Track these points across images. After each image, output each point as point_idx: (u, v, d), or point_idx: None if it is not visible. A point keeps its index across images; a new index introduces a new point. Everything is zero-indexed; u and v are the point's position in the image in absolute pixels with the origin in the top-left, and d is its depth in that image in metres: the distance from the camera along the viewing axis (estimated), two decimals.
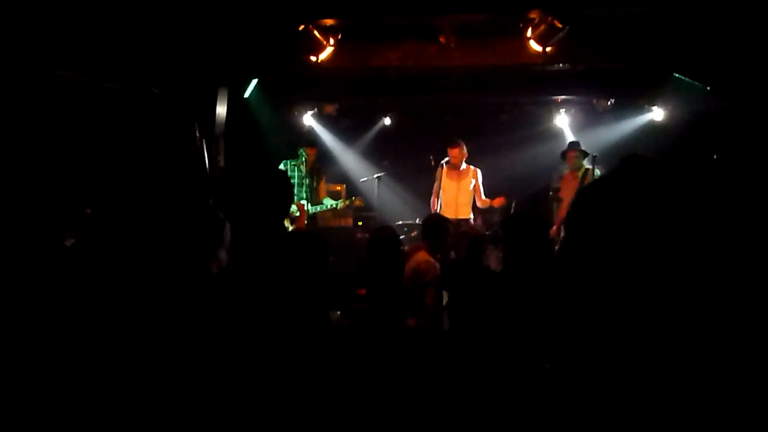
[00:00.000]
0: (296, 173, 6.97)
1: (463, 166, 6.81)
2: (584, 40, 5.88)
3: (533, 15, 5.68)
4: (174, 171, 6.08)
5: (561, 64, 6.18)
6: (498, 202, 6.66)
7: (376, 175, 7.45)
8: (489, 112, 8.69)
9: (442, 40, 6.05)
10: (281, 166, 6.95)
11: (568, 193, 6.97)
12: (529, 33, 5.75)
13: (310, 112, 8.63)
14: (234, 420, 1.90)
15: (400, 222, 7.71)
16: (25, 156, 4.77)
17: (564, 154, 7.11)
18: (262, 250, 2.34)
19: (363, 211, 8.20)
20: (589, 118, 8.34)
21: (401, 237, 6.36)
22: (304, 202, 6.91)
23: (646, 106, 7.91)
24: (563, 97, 8.10)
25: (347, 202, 7.19)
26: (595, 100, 8.05)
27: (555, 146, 8.26)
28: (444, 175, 6.82)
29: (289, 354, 2.05)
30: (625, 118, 8.05)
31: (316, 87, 7.67)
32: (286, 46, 6.22)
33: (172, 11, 5.69)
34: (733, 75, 5.73)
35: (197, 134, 5.93)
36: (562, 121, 8.51)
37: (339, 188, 8.29)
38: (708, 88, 6.16)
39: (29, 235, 2.56)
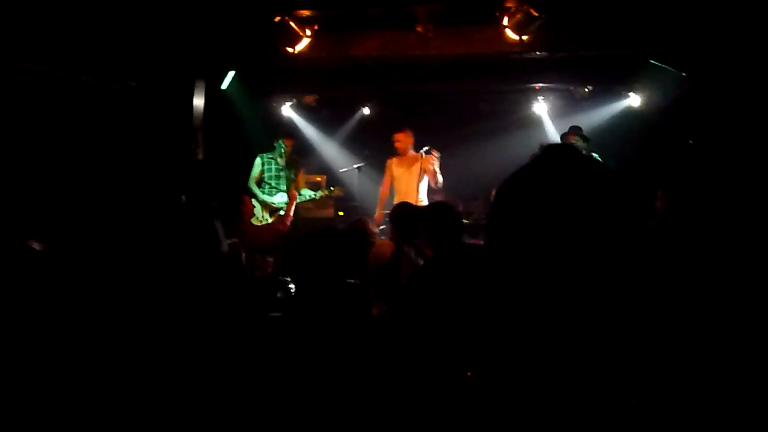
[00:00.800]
0: (273, 165, 6.94)
1: (411, 152, 6.77)
2: (561, 27, 5.86)
3: (509, 4, 5.66)
4: (151, 166, 6.09)
5: (538, 53, 6.18)
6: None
7: (356, 166, 7.39)
8: (468, 100, 8.69)
9: (419, 29, 6.05)
10: (257, 160, 6.92)
11: None
12: (505, 21, 5.73)
13: (289, 103, 8.58)
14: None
15: (387, 211, 7.64)
16: None
17: (563, 137, 7.04)
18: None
19: (344, 201, 8.18)
20: (568, 105, 8.36)
21: (383, 227, 6.34)
22: (281, 194, 6.92)
23: (624, 92, 7.96)
24: (541, 84, 8.09)
25: (326, 192, 7.19)
26: (573, 87, 8.08)
27: (534, 133, 8.31)
28: (394, 165, 6.83)
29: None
30: (603, 104, 8.09)
31: (295, 78, 7.63)
32: (262, 37, 6.18)
33: (148, 2, 5.63)
34: (709, 61, 5.75)
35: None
36: (541, 109, 8.53)
37: (319, 179, 8.26)
38: (684, 73, 6.18)
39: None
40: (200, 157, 6.62)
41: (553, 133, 8.31)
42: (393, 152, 6.84)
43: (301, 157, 7.46)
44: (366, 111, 8.77)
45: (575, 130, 6.98)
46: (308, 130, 8.80)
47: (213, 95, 6.75)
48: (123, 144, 5.97)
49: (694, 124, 6.27)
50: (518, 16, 5.62)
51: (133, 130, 6.10)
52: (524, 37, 5.70)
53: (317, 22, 6.04)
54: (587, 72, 7.42)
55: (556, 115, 8.43)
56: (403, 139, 6.76)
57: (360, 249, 4.43)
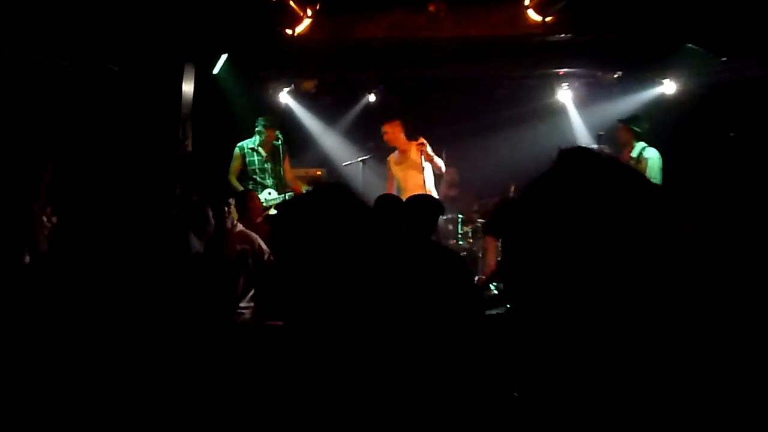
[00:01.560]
0: (256, 157, 6.54)
1: (405, 144, 6.60)
2: (587, 8, 5.68)
3: None
4: (136, 159, 5.87)
5: (562, 35, 6.07)
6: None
7: (360, 158, 7.03)
8: (483, 87, 8.44)
9: (431, 9, 5.89)
10: (236, 150, 6.56)
11: None
12: (527, 1, 5.58)
13: (286, 90, 8.14)
14: None
15: None
16: None
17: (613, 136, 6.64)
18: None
19: None
20: (594, 93, 8.06)
21: None
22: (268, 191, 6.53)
23: (656, 79, 7.62)
24: (565, 70, 7.84)
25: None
26: (599, 73, 7.81)
27: (558, 124, 8.09)
28: (392, 163, 6.70)
29: None
30: (633, 92, 7.74)
31: (293, 62, 7.43)
32: (258, 18, 5.96)
33: None
34: (750, 45, 5.64)
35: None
36: (565, 97, 8.19)
37: (319, 173, 7.88)
38: (723, 59, 6.12)
39: None
40: (189, 148, 6.41)
41: (579, 124, 8.10)
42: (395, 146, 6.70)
43: (292, 146, 7.11)
44: (372, 98, 8.38)
45: (626, 122, 6.44)
46: (307, 118, 8.43)
47: (203, 81, 6.59)
48: (105, 135, 5.79)
49: (734, 114, 6.28)
50: None
51: (116, 120, 5.92)
52: (547, 19, 5.54)
53: (318, 1, 5.80)
54: (616, 57, 7.23)
55: (582, 104, 8.14)
56: (390, 131, 6.60)
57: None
